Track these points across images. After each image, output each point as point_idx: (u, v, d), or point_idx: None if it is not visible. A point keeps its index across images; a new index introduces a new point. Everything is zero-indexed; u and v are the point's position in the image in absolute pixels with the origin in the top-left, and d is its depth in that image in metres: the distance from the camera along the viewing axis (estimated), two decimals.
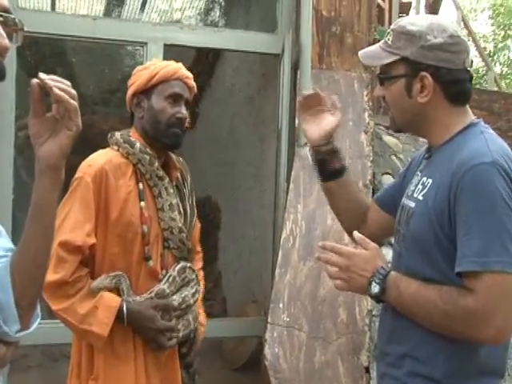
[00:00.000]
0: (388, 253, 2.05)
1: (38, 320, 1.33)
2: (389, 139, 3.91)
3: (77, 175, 2.00)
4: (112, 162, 2.03)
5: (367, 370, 2.80)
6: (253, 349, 4.64)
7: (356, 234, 1.69)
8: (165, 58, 3.25)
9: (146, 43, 3.69)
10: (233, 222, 5.75)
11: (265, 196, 4.89)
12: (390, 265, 1.68)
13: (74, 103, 1.20)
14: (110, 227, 1.98)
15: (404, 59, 1.63)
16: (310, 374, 2.75)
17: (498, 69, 15.20)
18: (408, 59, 1.63)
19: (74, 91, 1.21)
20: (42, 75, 1.19)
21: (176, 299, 2.06)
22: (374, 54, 1.72)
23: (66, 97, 1.19)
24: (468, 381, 1.58)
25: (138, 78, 2.10)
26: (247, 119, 5.46)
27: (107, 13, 6.28)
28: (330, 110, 1.92)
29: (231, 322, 4.62)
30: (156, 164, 2.08)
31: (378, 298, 1.63)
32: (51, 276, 1.85)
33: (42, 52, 6.59)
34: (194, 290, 2.13)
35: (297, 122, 3.53)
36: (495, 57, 15.58)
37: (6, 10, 1.22)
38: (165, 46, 3.68)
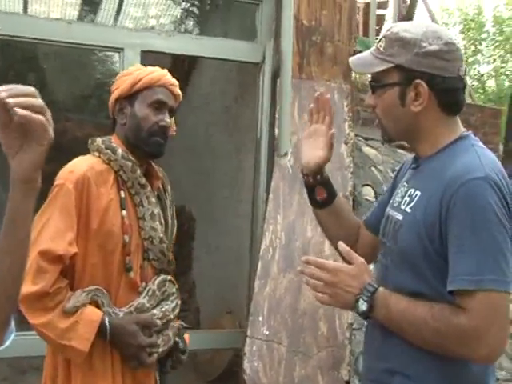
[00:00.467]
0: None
1: (13, 336, 1.26)
2: (368, 150, 3.89)
3: (57, 182, 1.92)
4: (94, 169, 1.96)
5: None
6: (228, 361, 4.57)
7: (342, 246, 1.62)
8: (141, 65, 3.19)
9: (122, 49, 3.62)
10: (208, 231, 5.67)
11: (241, 206, 4.83)
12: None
13: (41, 119, 1.05)
14: (90, 236, 1.91)
15: (398, 66, 1.59)
16: None
17: (468, 82, 15.39)
18: (402, 66, 1.59)
19: (39, 102, 1.06)
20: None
21: (156, 313, 1.99)
22: (365, 61, 1.68)
23: (31, 115, 1.04)
24: None
25: (122, 84, 2.04)
26: (223, 128, 5.41)
27: (81, 18, 6.17)
28: (329, 133, 1.87)
29: (206, 333, 4.54)
30: (138, 171, 2.01)
31: (365, 316, 1.58)
32: (29, 287, 1.77)
33: (14, 56, 6.44)
34: (174, 305, 2.07)
35: (276, 131, 3.49)
36: (466, 71, 15.76)
37: None
38: (142, 52, 3.61)
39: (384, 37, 1.64)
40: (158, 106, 2.02)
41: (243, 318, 4.25)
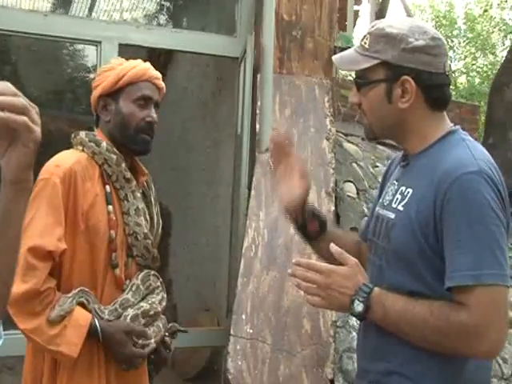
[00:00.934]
0: None
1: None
2: (349, 146, 3.88)
3: (42, 176, 1.85)
4: (80, 163, 1.90)
5: (332, 382, 2.74)
6: (206, 359, 4.53)
7: (334, 247, 1.57)
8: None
9: (99, 42, 3.56)
10: (185, 228, 5.62)
11: (219, 202, 4.79)
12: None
13: (24, 120, 0.96)
14: (78, 233, 1.86)
15: (384, 63, 1.56)
16: None
17: None
18: (388, 63, 1.56)
19: (20, 101, 0.96)
20: None
21: (144, 306, 1.95)
22: (350, 58, 1.64)
23: (12, 117, 0.95)
24: None
25: (104, 80, 1.97)
26: (200, 124, 5.36)
27: (54, 10, 6.05)
28: (302, 167, 1.79)
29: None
30: (123, 165, 1.96)
31: (361, 317, 1.55)
32: (19, 286, 1.71)
33: None
34: (160, 297, 2.04)
35: (258, 127, 3.45)
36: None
37: None
38: (120, 45, 3.55)
39: (369, 33, 1.60)
40: (144, 101, 1.97)
41: (222, 316, 4.22)
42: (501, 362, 3.09)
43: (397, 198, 1.60)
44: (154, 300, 2.00)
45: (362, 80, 1.62)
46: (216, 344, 3.96)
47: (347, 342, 2.91)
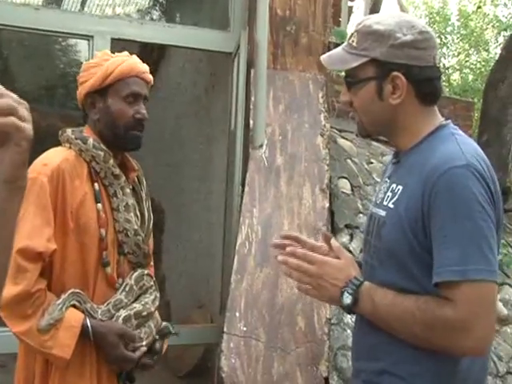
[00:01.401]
0: None
1: None
2: (344, 142, 3.85)
3: (29, 175, 1.80)
4: (68, 162, 1.87)
5: (326, 380, 2.72)
6: (199, 356, 4.51)
7: (334, 242, 1.62)
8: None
9: (92, 37, 3.52)
10: (178, 224, 5.59)
11: (212, 198, 4.76)
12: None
13: (12, 121, 0.93)
14: (68, 232, 1.83)
15: (373, 60, 1.55)
16: None
17: None
18: (377, 60, 1.54)
19: (6, 102, 0.92)
20: None
21: (137, 306, 1.93)
22: (338, 58, 1.62)
23: (1, 120, 0.92)
24: None
25: (91, 77, 1.93)
26: (193, 119, 5.32)
27: (45, 4, 6.00)
28: None
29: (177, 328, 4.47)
30: (111, 161, 1.93)
31: (349, 309, 1.56)
32: (10, 289, 1.68)
33: None
34: (153, 297, 2.02)
35: (251, 122, 3.42)
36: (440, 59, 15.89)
37: None
38: (112, 40, 3.51)
39: (356, 31, 1.59)
40: (133, 98, 1.94)
41: (215, 313, 4.19)
42: (496, 359, 3.08)
43: (388, 196, 1.59)
44: (146, 300, 1.98)
45: (352, 79, 1.61)
46: (209, 341, 3.93)
47: (342, 339, 2.89)
